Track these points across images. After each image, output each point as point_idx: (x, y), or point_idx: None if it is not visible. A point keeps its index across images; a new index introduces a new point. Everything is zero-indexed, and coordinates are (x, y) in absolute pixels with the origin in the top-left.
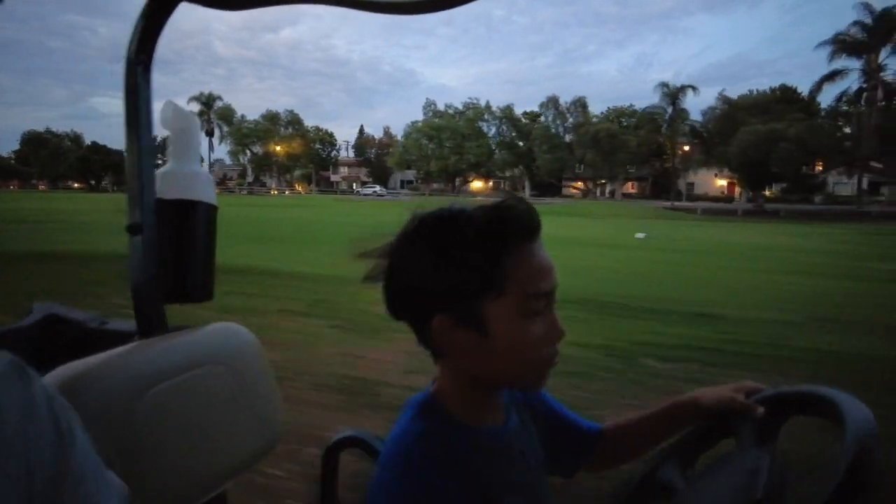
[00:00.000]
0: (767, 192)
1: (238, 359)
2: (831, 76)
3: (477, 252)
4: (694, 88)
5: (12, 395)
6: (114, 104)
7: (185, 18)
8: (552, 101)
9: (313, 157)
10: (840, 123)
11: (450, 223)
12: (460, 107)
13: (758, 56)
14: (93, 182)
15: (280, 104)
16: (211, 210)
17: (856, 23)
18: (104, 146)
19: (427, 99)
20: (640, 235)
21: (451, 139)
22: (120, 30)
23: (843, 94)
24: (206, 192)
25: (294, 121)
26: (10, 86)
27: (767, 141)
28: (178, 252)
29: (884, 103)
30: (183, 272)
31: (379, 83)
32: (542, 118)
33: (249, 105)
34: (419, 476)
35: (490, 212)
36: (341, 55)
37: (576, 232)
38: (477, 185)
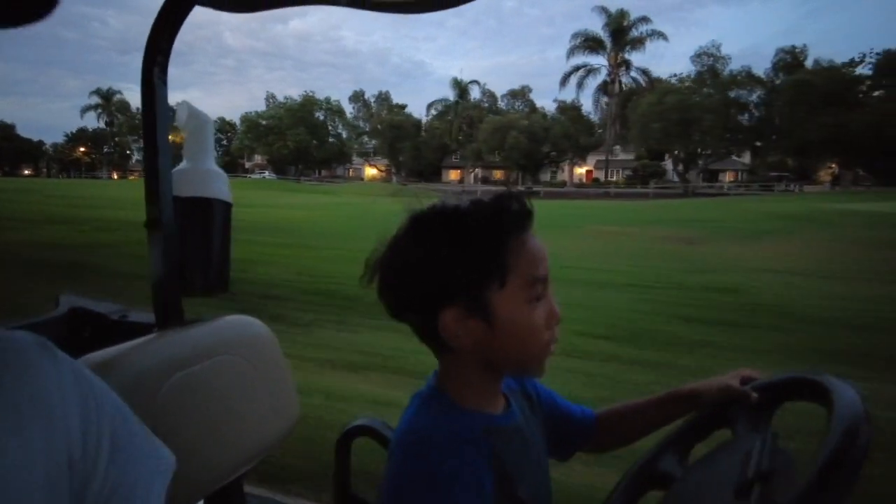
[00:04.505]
0: (616, 178)
1: (253, 349)
2: (575, 71)
3: (479, 245)
4: (479, 83)
5: (42, 369)
6: (123, 95)
7: (194, 11)
8: (358, 95)
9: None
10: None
11: (449, 220)
12: (298, 98)
13: (772, 48)
14: (7, 168)
15: (288, 94)
16: (226, 207)
17: (606, 24)
18: (17, 135)
19: (267, 91)
20: None
21: (278, 128)
22: (129, 21)
23: (598, 87)
24: (221, 190)
25: None
26: (25, 76)
27: (500, 131)
28: (195, 247)
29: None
30: (200, 266)
31: (388, 75)
32: (352, 110)
33: (260, 97)
34: (440, 463)
35: (487, 206)
36: (350, 46)
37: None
38: (371, 171)
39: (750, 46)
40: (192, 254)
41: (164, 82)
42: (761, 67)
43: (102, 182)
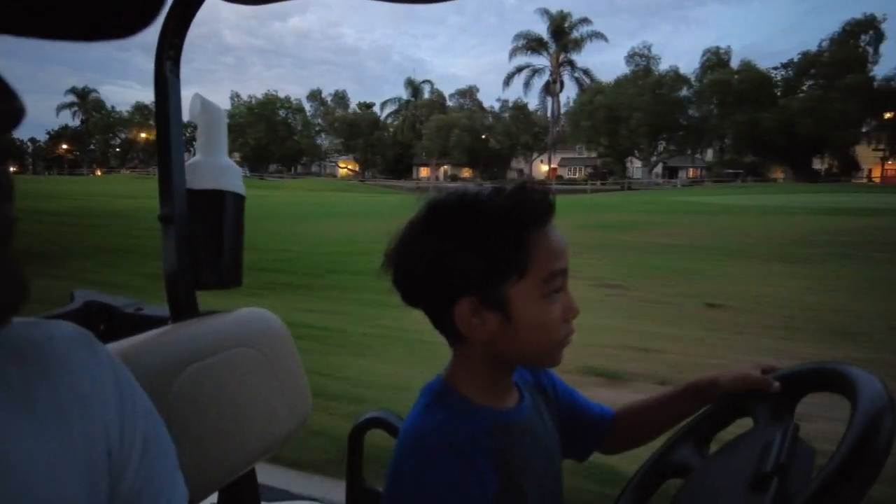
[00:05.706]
0: (577, 175)
1: (266, 342)
2: (518, 71)
3: (500, 236)
4: (431, 83)
5: (82, 359)
6: (123, 93)
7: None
8: (315, 94)
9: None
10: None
11: (467, 209)
12: (262, 98)
13: (772, 46)
14: None
15: (289, 93)
16: (239, 199)
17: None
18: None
19: (232, 91)
20: None
21: (238, 127)
22: None
23: (542, 88)
24: (234, 182)
25: None
26: (25, 74)
27: (444, 129)
28: (208, 240)
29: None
30: (213, 259)
31: (388, 72)
32: (309, 108)
33: (259, 94)
34: (442, 466)
35: (510, 196)
36: (350, 44)
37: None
38: (344, 171)
39: (750, 45)
40: (206, 246)
41: (177, 76)
42: (762, 66)
43: (71, 178)
